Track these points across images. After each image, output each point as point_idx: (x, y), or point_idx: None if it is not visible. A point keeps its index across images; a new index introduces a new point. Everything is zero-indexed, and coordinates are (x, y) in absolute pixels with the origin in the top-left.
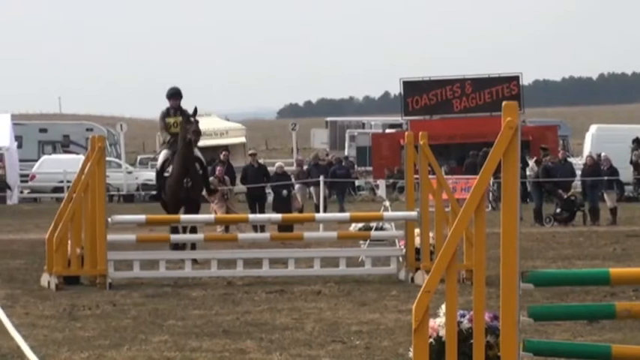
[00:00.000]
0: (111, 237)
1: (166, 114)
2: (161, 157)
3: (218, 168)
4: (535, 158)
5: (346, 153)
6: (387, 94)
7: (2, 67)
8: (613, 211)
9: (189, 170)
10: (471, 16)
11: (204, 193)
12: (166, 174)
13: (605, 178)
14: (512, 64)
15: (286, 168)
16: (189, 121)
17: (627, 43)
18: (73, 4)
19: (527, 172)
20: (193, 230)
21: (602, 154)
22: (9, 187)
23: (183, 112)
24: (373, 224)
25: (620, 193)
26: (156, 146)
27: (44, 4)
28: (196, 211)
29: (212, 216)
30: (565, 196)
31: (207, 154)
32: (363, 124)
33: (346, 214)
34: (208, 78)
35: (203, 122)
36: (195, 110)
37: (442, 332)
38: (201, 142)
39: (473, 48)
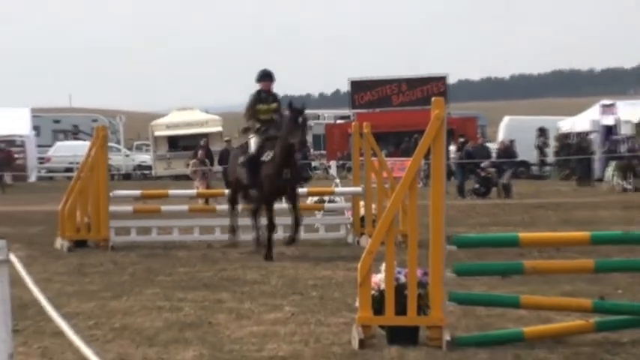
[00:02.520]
0: (112, 208)
1: (257, 99)
2: (254, 144)
3: (200, 152)
4: (453, 143)
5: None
6: (337, 91)
7: (28, 71)
8: (508, 186)
9: (290, 162)
10: (407, 27)
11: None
12: (265, 158)
13: (517, 159)
14: (441, 66)
15: None
16: (296, 124)
17: (533, 47)
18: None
19: (452, 155)
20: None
21: (501, 140)
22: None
23: (292, 109)
24: (326, 198)
25: (527, 172)
26: (148, 135)
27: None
28: (296, 198)
29: (195, 191)
30: (482, 175)
31: (191, 141)
32: (318, 116)
33: (304, 190)
34: (191, 77)
35: (187, 115)
36: (304, 108)
37: (382, 286)
38: (186, 131)
39: (409, 53)
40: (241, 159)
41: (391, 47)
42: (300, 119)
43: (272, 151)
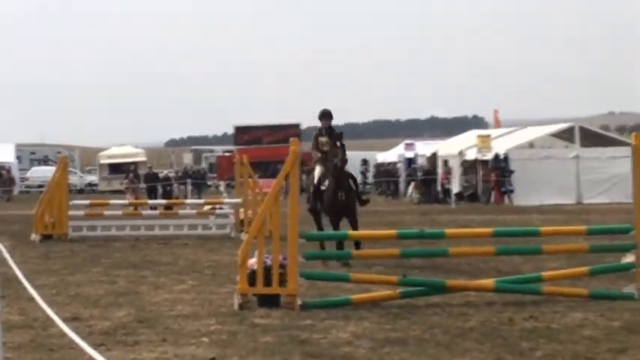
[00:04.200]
0: (70, 212)
1: (319, 134)
2: (317, 173)
3: (130, 174)
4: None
5: (203, 166)
6: (226, 133)
7: (14, 118)
8: None
9: (342, 185)
10: (277, 86)
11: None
12: (323, 187)
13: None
14: (296, 116)
15: (169, 174)
16: (335, 145)
17: (359, 104)
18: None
19: (303, 177)
20: (357, 245)
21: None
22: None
23: (331, 134)
24: (218, 206)
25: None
26: (96, 162)
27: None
28: (355, 221)
29: (127, 201)
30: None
31: (125, 167)
32: (212, 150)
33: (202, 200)
34: (127, 120)
35: (122, 149)
36: (342, 134)
37: (255, 267)
38: (121, 160)
39: (276, 105)
40: (311, 188)
41: (264, 101)
42: (339, 143)
43: (328, 180)
